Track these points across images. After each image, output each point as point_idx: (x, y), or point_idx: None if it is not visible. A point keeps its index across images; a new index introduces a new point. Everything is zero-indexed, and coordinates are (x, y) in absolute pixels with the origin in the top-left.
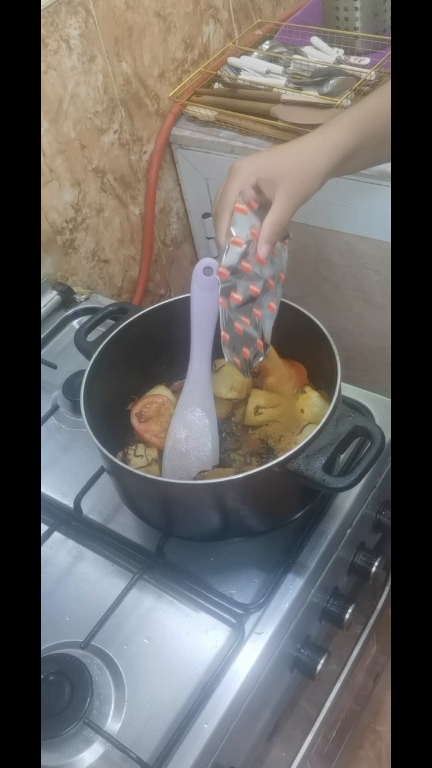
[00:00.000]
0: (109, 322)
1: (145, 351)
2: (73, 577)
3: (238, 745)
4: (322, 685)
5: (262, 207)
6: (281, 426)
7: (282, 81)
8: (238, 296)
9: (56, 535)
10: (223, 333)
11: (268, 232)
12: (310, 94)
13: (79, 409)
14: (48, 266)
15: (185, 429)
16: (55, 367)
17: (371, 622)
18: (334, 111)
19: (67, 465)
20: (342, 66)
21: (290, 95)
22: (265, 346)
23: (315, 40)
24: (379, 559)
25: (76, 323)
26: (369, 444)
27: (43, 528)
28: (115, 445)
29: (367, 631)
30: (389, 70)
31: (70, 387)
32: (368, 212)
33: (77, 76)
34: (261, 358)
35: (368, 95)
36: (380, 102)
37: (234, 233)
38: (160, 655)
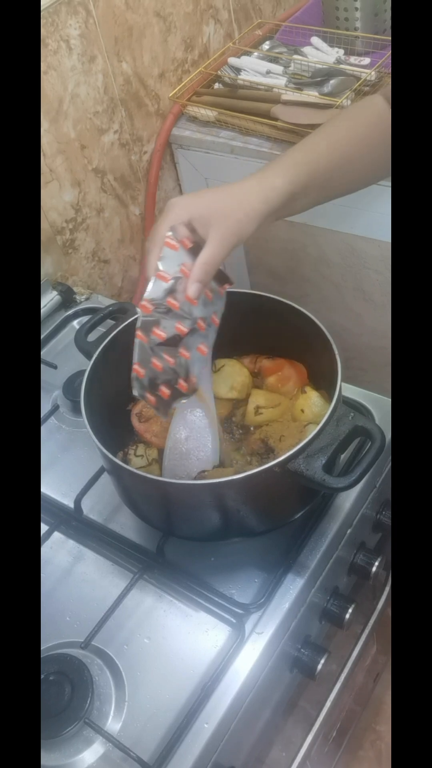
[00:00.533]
0: (110, 322)
1: None
2: (73, 577)
3: (238, 745)
4: (322, 685)
5: (196, 246)
6: (281, 426)
7: (282, 81)
8: (161, 332)
9: (56, 535)
10: (135, 366)
11: (198, 271)
12: (311, 95)
13: (79, 409)
14: (48, 266)
15: (185, 429)
16: (55, 367)
17: (371, 622)
18: (334, 111)
19: (67, 465)
20: (342, 66)
21: (290, 95)
22: (191, 390)
23: (315, 40)
24: (379, 559)
25: (76, 323)
26: (369, 444)
27: (43, 528)
28: (116, 445)
29: (367, 631)
30: (389, 70)
31: (70, 387)
32: (368, 212)
33: (77, 76)
34: (183, 401)
35: (311, 134)
36: (323, 141)
37: (161, 267)
38: (161, 655)
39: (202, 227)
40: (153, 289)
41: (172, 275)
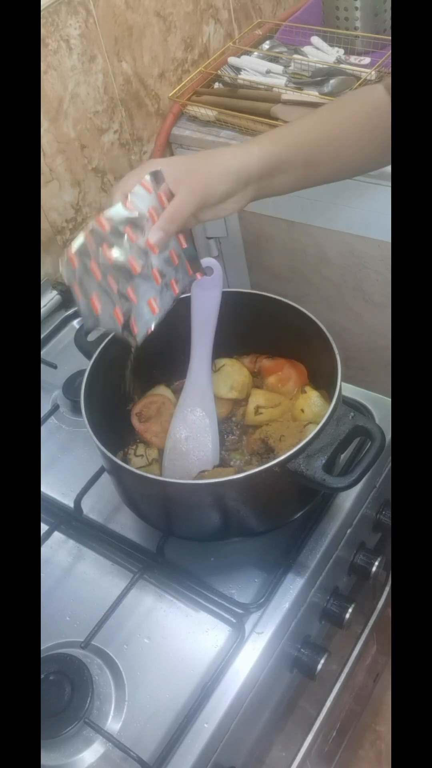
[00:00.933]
0: None
1: (146, 351)
2: (73, 577)
3: (238, 745)
4: (322, 685)
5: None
6: (281, 426)
7: (282, 81)
8: (110, 255)
9: (56, 535)
10: (71, 253)
11: (163, 220)
12: (311, 94)
13: (79, 409)
14: (48, 266)
15: (185, 429)
16: (55, 367)
17: (371, 622)
18: None
19: (67, 465)
20: (342, 66)
21: (290, 95)
22: (126, 331)
23: (315, 39)
24: (379, 559)
25: (76, 323)
26: (369, 444)
27: (43, 528)
28: (116, 444)
29: (367, 631)
30: (389, 69)
31: (70, 387)
32: (368, 212)
33: (77, 76)
34: (109, 332)
35: (304, 115)
36: (312, 122)
37: (129, 198)
38: (161, 655)
39: (174, 183)
40: (115, 210)
41: (138, 209)
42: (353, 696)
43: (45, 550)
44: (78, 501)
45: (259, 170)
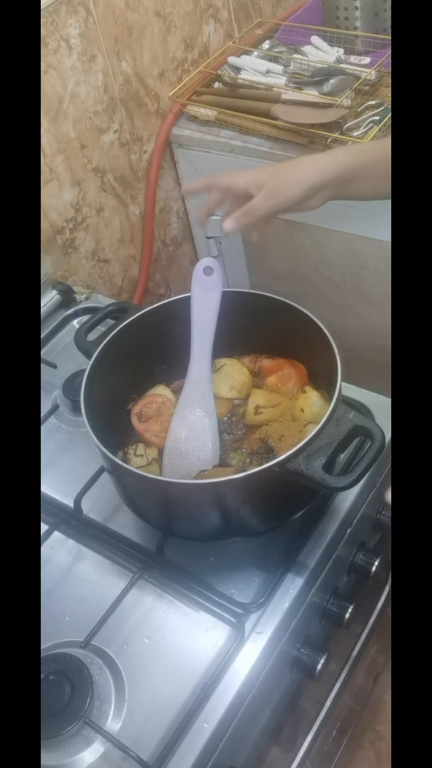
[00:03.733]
0: (109, 321)
1: (145, 351)
2: (73, 577)
3: (238, 745)
4: (322, 685)
5: None
6: (281, 426)
7: (282, 80)
8: None
9: (56, 534)
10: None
11: (239, 213)
12: (310, 94)
13: (79, 409)
14: (48, 266)
15: (185, 429)
16: (55, 367)
17: (371, 621)
18: (334, 110)
19: (67, 465)
20: (342, 65)
21: (290, 95)
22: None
23: (315, 39)
24: (379, 558)
25: (76, 323)
26: (369, 443)
27: (43, 528)
28: (115, 444)
29: (367, 631)
30: (389, 69)
31: (70, 386)
32: (368, 212)
33: (77, 76)
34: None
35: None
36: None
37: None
38: (160, 655)
39: (256, 188)
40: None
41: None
42: (353, 696)
43: (45, 550)
44: (78, 501)
45: (332, 179)
